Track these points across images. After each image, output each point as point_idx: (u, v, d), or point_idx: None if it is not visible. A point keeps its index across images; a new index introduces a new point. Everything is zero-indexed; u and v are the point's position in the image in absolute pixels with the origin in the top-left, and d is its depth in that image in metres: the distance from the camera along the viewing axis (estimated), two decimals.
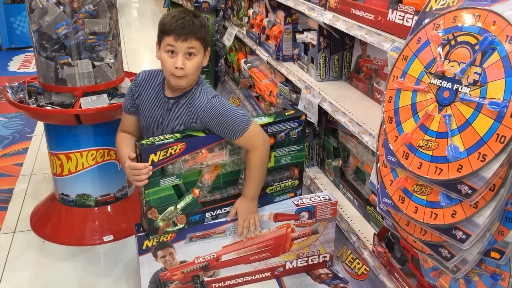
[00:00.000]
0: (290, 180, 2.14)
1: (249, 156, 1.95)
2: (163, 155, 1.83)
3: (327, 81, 2.59)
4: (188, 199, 1.96)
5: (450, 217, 1.24)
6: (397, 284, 1.81)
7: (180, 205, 1.95)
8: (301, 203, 2.15)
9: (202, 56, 1.87)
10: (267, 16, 3.22)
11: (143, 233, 1.95)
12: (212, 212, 2.03)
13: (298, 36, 2.81)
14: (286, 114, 2.11)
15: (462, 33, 1.24)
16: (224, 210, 2.06)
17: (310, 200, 2.18)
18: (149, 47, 6.82)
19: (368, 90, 2.35)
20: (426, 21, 1.36)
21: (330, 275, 2.24)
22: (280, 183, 2.12)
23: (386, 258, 1.86)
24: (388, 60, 1.75)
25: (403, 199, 1.39)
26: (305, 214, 2.15)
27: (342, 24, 2.13)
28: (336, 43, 2.52)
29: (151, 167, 1.81)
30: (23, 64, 5.90)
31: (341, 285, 2.18)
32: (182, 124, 1.92)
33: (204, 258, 2.07)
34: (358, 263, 2.17)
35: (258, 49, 3.35)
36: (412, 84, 1.35)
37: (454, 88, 1.23)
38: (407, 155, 1.34)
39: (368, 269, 2.08)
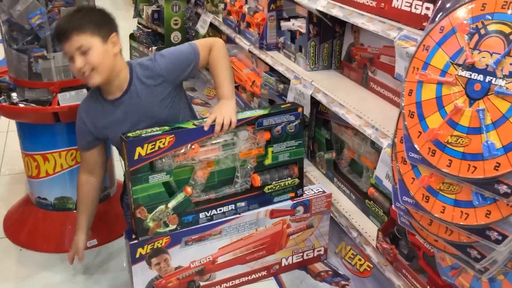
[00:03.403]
0: (289, 178, 2.03)
1: (212, 53, 1.87)
2: (151, 149, 1.72)
3: (316, 71, 2.51)
4: (180, 197, 1.85)
5: (484, 217, 1.18)
6: (405, 281, 1.76)
7: (171, 204, 1.83)
8: (296, 198, 2.07)
9: (100, 44, 1.68)
10: (246, 2, 3.09)
11: (136, 241, 1.82)
12: (206, 213, 1.92)
13: (283, 23, 2.71)
14: (281, 106, 2.01)
15: (493, 21, 1.17)
16: (220, 210, 1.94)
17: (305, 193, 2.10)
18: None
19: (362, 79, 2.27)
20: (450, 8, 1.28)
21: (330, 272, 2.17)
22: (279, 181, 2.02)
23: (392, 254, 1.80)
24: (396, 49, 1.67)
25: (427, 198, 1.32)
26: (300, 209, 2.08)
27: (338, 11, 2.04)
28: (326, 31, 2.43)
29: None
30: None
31: (343, 282, 2.12)
32: (147, 105, 1.82)
33: (200, 262, 1.97)
34: (359, 259, 2.11)
35: (237, 37, 3.23)
36: (436, 76, 1.27)
37: (486, 81, 1.16)
38: (434, 152, 1.26)
39: (372, 266, 2.03)
